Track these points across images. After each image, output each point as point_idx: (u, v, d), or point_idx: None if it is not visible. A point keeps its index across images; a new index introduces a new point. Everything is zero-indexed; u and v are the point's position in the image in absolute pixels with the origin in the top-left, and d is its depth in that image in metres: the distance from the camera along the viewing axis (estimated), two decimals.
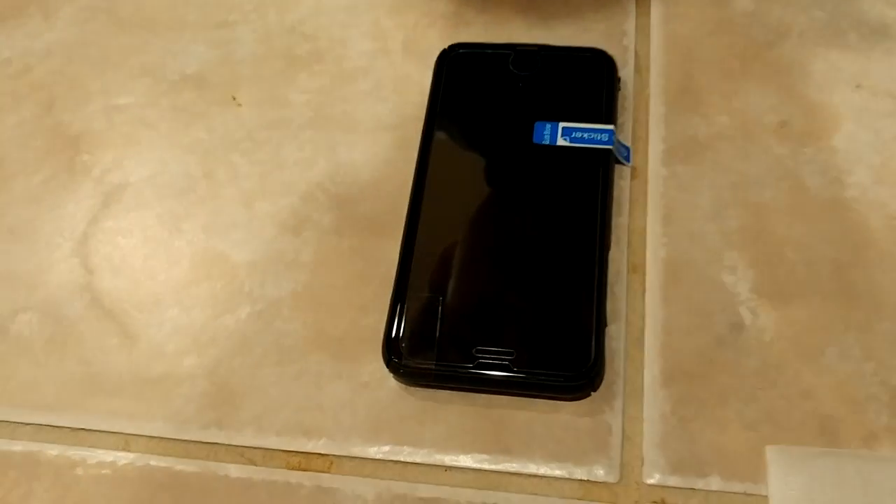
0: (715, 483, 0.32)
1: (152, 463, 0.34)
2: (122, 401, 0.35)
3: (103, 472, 0.34)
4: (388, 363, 0.35)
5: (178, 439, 0.35)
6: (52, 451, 0.35)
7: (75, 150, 0.42)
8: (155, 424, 0.35)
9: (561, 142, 0.39)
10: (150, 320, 0.37)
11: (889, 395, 0.33)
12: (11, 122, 0.43)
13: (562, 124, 0.39)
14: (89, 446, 0.35)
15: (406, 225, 0.37)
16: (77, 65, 0.45)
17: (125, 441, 0.35)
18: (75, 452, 0.35)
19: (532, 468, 0.33)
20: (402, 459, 0.34)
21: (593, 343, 0.34)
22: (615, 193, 0.38)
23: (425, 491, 0.33)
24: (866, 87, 0.40)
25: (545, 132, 0.39)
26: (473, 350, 0.34)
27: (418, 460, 0.33)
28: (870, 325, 0.35)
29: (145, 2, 0.46)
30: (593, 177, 0.38)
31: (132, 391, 0.36)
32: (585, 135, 0.39)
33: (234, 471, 0.34)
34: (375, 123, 0.41)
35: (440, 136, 0.39)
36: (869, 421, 0.33)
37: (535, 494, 0.33)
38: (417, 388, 0.35)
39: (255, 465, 0.34)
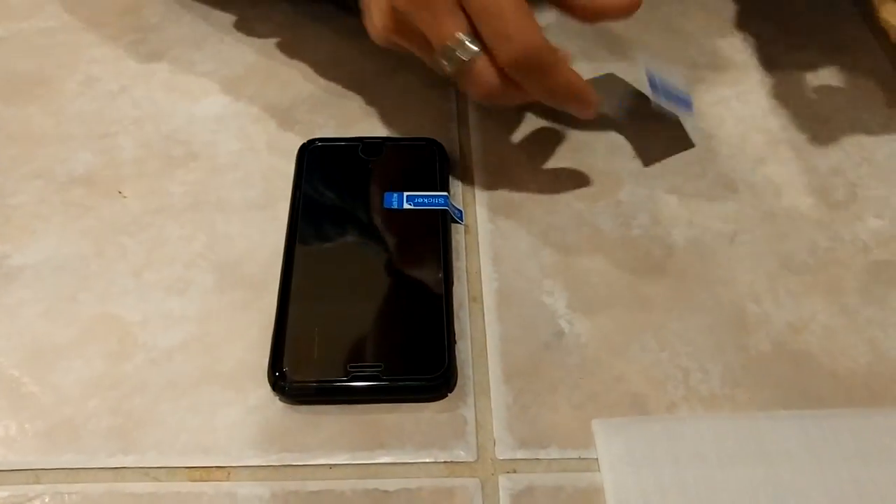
0: (554, 453, 0.38)
1: (62, 490, 0.36)
2: (30, 442, 0.38)
3: None
4: (274, 385, 0.39)
5: (86, 468, 0.37)
6: None
7: None
8: (64, 458, 0.37)
9: (406, 206, 0.45)
10: (55, 372, 0.40)
11: (682, 374, 0.40)
12: None
13: (406, 193, 0.46)
14: None
15: (282, 276, 0.42)
16: None
17: (35, 476, 0.37)
18: None
19: (404, 457, 0.37)
20: (291, 463, 0.37)
21: (446, 352, 0.39)
22: (453, 244, 0.45)
23: (314, 486, 0.37)
24: (640, 157, 0.49)
25: (393, 199, 0.45)
26: (347, 366, 0.39)
27: (306, 463, 0.37)
28: (662, 325, 0.42)
29: (31, 120, 0.51)
30: (435, 231, 0.44)
31: (41, 433, 0.38)
32: (425, 199, 0.46)
33: (140, 488, 0.36)
34: (247, 205, 0.47)
35: (306, 207, 0.45)
36: (669, 394, 0.40)
37: (408, 478, 0.37)
38: (301, 406, 0.39)
39: (160, 481, 0.37)
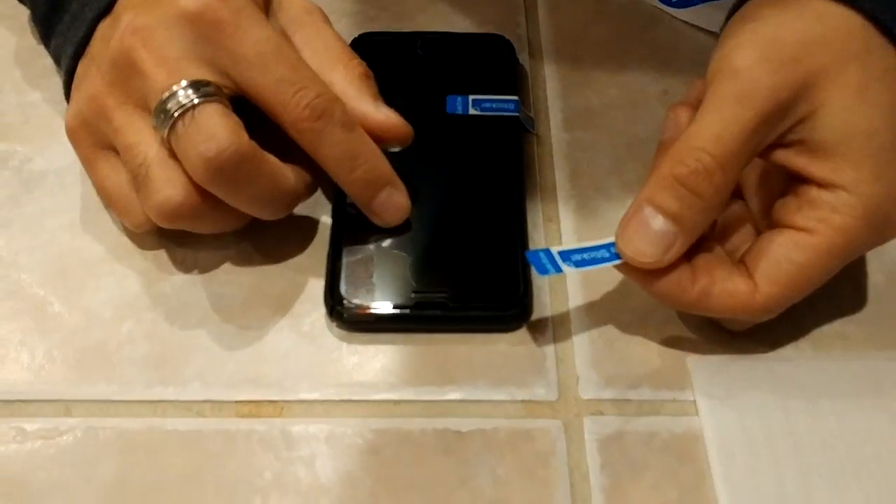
0: (646, 393, 0.33)
1: (95, 425, 0.32)
2: (59, 369, 0.33)
3: (44, 439, 0.32)
4: (332, 311, 0.34)
5: (121, 400, 0.33)
6: None
7: None
8: (96, 388, 0.33)
9: (472, 111, 0.40)
10: (84, 291, 0.35)
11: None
12: None
13: (471, 96, 0.40)
14: (27, 416, 0.32)
15: (336, 190, 0.37)
16: None
17: (66, 407, 0.32)
18: (11, 424, 0.32)
19: (477, 395, 0.33)
20: (351, 398, 0.33)
21: (521, 278, 0.34)
22: (524, 157, 0.39)
23: (377, 424, 0.32)
24: None
25: (457, 103, 0.40)
26: (411, 293, 0.34)
27: (368, 398, 0.33)
28: None
29: None
30: (504, 140, 0.39)
31: (69, 359, 0.33)
32: (493, 104, 0.40)
33: (183, 424, 0.32)
34: None
35: None
36: (773, 330, 0.34)
37: (483, 417, 0.32)
38: (359, 334, 0.34)
39: (205, 417, 0.32)
